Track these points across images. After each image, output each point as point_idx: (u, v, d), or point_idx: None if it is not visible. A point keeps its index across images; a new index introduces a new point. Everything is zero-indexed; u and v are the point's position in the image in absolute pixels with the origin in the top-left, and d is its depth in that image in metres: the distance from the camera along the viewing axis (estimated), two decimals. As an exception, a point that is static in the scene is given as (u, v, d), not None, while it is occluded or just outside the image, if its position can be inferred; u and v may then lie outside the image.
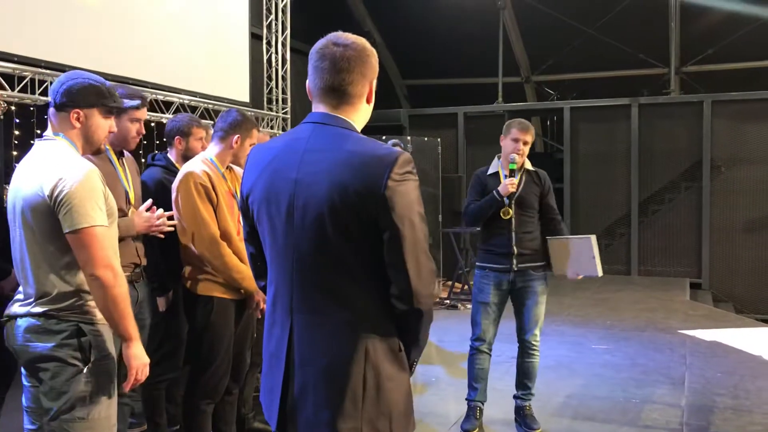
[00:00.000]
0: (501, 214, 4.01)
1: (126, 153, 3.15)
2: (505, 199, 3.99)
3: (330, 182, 1.71)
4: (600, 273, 3.92)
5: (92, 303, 2.22)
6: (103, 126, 2.34)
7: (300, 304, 1.80)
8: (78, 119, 2.28)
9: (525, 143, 4.02)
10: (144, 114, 3.08)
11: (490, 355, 4.20)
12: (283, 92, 9.70)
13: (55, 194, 2.11)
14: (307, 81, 1.86)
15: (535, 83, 13.59)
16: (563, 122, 11.38)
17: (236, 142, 3.25)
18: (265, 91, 9.53)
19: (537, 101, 13.29)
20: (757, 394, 4.89)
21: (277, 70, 9.61)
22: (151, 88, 7.17)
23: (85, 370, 2.18)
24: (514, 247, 4.00)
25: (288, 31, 9.73)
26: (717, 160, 10.39)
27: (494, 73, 12.20)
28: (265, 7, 9.52)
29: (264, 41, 9.54)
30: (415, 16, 12.30)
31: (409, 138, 9.07)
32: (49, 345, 2.16)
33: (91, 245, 2.11)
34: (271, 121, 9.35)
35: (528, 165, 4.12)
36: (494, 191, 3.99)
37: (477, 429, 4.13)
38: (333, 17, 12.52)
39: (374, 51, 1.90)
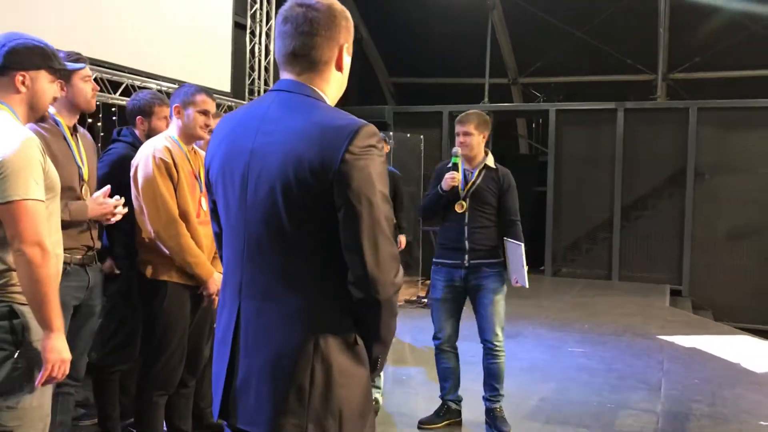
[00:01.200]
0: (455, 208, 3.91)
1: (81, 129, 2.99)
2: (461, 192, 3.90)
3: (284, 153, 1.55)
4: (527, 284, 3.84)
5: None
6: (49, 91, 2.16)
7: (248, 288, 1.63)
8: (23, 83, 2.09)
9: (465, 134, 3.91)
10: (89, 71, 2.90)
11: (455, 353, 4.08)
12: (266, 83, 9.54)
13: None
14: (274, 49, 1.69)
15: (522, 85, 13.50)
16: (548, 125, 11.30)
17: (177, 111, 3.08)
18: (247, 82, 9.37)
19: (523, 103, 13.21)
20: (735, 402, 4.79)
21: (260, 61, 9.45)
22: (129, 73, 7.00)
23: (15, 355, 1.99)
24: (466, 242, 3.89)
25: (272, 22, 9.56)
26: (701, 167, 10.33)
27: (482, 74, 12.10)
28: (250, -4, 9.36)
29: (248, 31, 9.38)
30: (404, 14, 12.19)
31: (391, 134, 8.95)
32: None
33: (21, 219, 1.93)
34: (252, 112, 9.18)
35: (490, 161, 3.99)
36: (438, 186, 3.90)
37: (435, 425, 4.06)
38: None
39: (346, 13, 1.70)
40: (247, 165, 1.61)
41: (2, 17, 5.46)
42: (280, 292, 1.60)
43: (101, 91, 6.30)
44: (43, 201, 2.01)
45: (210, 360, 3.67)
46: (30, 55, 2.10)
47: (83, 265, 2.78)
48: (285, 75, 1.68)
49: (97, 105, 5.90)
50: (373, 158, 1.55)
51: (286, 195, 1.55)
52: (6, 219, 1.96)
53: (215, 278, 3.02)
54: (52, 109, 2.79)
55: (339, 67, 1.69)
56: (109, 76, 6.72)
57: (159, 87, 7.20)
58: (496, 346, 3.97)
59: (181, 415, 3.27)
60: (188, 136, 3.12)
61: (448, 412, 4.09)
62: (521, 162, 13.21)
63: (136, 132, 3.49)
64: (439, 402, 4.14)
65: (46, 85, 2.15)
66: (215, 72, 8.64)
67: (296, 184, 1.53)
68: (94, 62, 6.59)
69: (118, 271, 3.28)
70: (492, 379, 4.00)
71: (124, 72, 6.94)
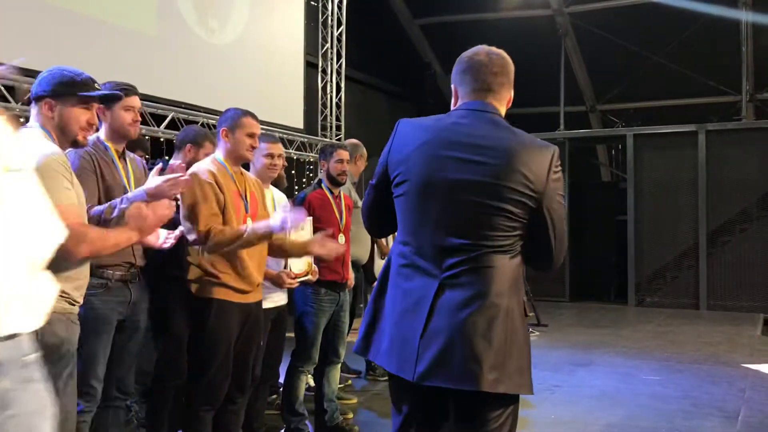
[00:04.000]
0: None
1: (130, 154, 3.16)
2: None
3: (499, 165, 1.95)
4: None
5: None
6: (77, 117, 2.35)
7: (448, 269, 1.97)
8: (50, 109, 2.31)
9: None
10: (136, 102, 3.05)
11: None
12: (337, 119, 9.79)
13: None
14: (453, 84, 2.15)
15: (600, 112, 13.25)
16: (627, 150, 11.01)
17: (225, 134, 3.22)
18: (320, 118, 9.64)
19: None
20: (821, 431, 4.46)
21: (331, 98, 9.72)
22: (204, 112, 7.34)
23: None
24: None
25: (343, 60, 9.84)
26: (793, 188, 9.79)
27: (557, 102, 11.97)
28: (321, 36, 9.68)
29: (319, 69, 9.68)
30: (475, 46, 12.23)
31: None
32: None
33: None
34: (325, 147, 9.42)
35: None
36: None
37: None
38: (391, 47, 12.60)
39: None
40: (458, 169, 1.98)
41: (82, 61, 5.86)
42: (479, 272, 1.95)
43: (178, 130, 6.64)
44: (74, 204, 2.16)
45: (263, 381, 3.78)
46: (56, 85, 2.32)
47: (125, 281, 2.91)
48: (470, 100, 2.10)
49: (173, 143, 6.23)
50: (561, 173, 2.04)
51: (497, 196, 1.94)
52: None
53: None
54: (102, 135, 3.00)
55: (508, 104, 2.17)
56: (185, 115, 7.07)
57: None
58: None
59: (229, 431, 3.33)
60: (235, 158, 3.25)
61: None
62: (601, 190, 12.88)
63: (174, 160, 3.62)
64: None
65: (74, 112, 2.34)
66: (289, 110, 8.95)
67: (509, 190, 1.95)
68: (172, 102, 6.98)
69: None
70: None
71: (200, 111, 7.29)
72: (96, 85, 2.41)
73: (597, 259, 11.69)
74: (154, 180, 2.84)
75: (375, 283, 2.18)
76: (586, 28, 11.74)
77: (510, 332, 1.94)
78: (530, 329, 7.92)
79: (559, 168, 2.01)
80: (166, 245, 2.76)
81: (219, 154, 3.27)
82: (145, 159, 4.39)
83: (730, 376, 5.93)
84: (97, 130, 3.03)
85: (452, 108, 2.16)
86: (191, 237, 3.05)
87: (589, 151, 13.54)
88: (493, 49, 2.15)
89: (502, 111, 2.12)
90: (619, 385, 5.63)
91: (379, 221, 2.28)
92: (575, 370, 6.12)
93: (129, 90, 2.99)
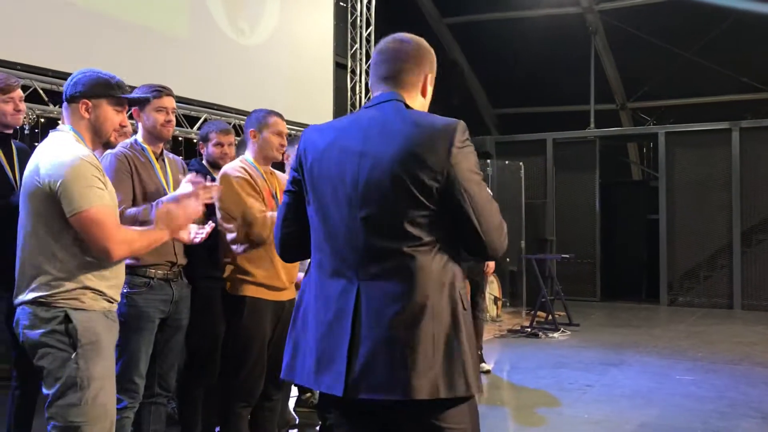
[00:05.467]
0: None
1: (170, 155, 3.22)
2: None
3: (394, 153, 1.80)
4: None
5: (81, 290, 2.24)
6: (112, 118, 2.38)
7: (365, 271, 1.84)
8: (87, 110, 2.34)
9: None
10: (170, 102, 3.07)
11: None
12: (367, 119, 9.83)
13: (50, 179, 2.18)
14: (369, 80, 2.05)
15: (631, 110, 13.12)
16: (658, 148, 10.89)
17: (253, 135, 3.27)
18: (349, 119, 9.69)
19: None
20: None
21: (360, 98, 9.76)
22: (236, 113, 7.43)
23: (73, 356, 2.18)
24: None
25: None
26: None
27: (587, 101, 11.88)
28: (350, 37, 9.73)
29: (348, 70, 9.73)
30: (504, 45, 12.20)
31: (488, 162, 8.94)
32: (39, 332, 2.20)
33: (90, 228, 2.17)
34: (354, 147, 9.47)
35: None
36: None
37: None
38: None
39: (431, 50, 2.00)
40: (358, 165, 1.84)
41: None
42: (400, 273, 1.81)
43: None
44: (108, 205, 2.23)
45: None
46: (93, 85, 2.36)
47: (167, 279, 2.96)
48: (378, 93, 1.97)
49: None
50: (471, 148, 1.86)
51: (400, 187, 1.79)
52: (82, 229, 2.19)
53: None
54: (139, 137, 3.07)
55: (423, 93, 1.99)
56: (217, 117, 7.16)
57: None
58: None
59: (266, 429, 3.37)
60: (264, 157, 3.29)
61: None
62: (632, 188, 12.77)
63: (204, 161, 3.73)
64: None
65: (109, 113, 2.38)
66: (318, 110, 9.00)
67: (410, 177, 1.78)
68: (204, 104, 7.09)
69: None
70: None
71: (231, 112, 7.38)
72: (127, 88, 2.47)
73: (628, 258, 11.60)
74: (187, 186, 2.90)
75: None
76: (616, 26, 11.63)
77: (438, 333, 1.79)
78: (561, 329, 7.93)
79: (466, 142, 1.83)
80: (197, 240, 2.79)
81: (248, 155, 3.31)
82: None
83: (767, 376, 5.85)
84: (135, 132, 3.12)
85: None
86: (230, 236, 3.10)
87: (619, 149, 13.43)
88: (399, 35, 1.98)
89: (414, 98, 1.96)
90: (652, 384, 5.58)
91: (292, 240, 2.06)
92: (607, 370, 6.08)
93: (161, 91, 3.04)
